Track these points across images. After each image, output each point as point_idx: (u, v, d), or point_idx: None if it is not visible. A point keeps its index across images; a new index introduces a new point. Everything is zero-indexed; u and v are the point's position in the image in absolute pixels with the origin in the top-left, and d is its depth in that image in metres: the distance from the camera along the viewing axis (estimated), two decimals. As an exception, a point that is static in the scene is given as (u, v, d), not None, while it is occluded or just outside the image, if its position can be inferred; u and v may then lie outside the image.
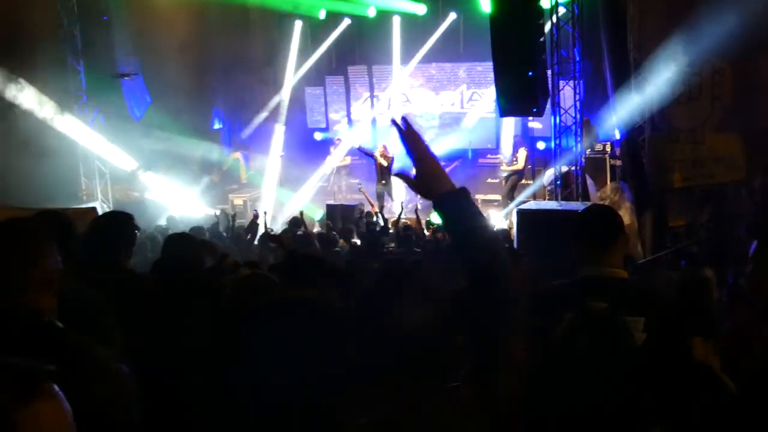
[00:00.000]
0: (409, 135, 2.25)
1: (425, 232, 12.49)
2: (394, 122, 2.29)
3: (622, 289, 2.96)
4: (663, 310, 2.87)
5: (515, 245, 10.28)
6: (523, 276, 3.89)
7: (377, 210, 14.72)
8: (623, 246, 3.08)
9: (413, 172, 2.25)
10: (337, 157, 19.21)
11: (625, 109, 13.59)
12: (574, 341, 2.78)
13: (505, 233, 11.96)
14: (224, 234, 12.90)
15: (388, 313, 2.13)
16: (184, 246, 4.52)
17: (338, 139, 19.48)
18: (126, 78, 17.20)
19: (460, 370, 2.23)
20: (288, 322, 3.19)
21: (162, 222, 14.82)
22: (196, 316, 3.78)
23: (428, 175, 2.23)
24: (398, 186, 17.80)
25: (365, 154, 16.93)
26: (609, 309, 2.73)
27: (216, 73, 20.16)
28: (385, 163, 16.46)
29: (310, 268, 3.91)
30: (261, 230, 12.94)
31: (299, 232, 12.21)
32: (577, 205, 11.24)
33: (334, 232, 11.80)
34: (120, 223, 4.22)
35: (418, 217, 13.33)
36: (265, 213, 13.86)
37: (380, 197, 16.64)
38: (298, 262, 3.98)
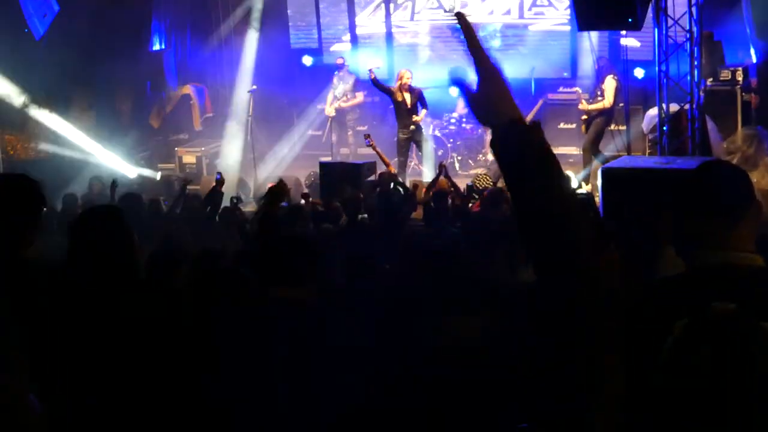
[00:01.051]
0: (469, 38, 2.32)
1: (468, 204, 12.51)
2: (458, 14, 2.34)
3: (758, 282, 2.98)
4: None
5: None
6: (614, 265, 3.95)
7: (394, 170, 14.71)
8: (755, 221, 3.10)
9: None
10: (342, 92, 19.05)
11: (765, 18, 13.53)
12: (690, 359, 2.82)
13: (588, 202, 11.99)
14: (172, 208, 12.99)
15: (419, 323, 2.17)
16: (113, 225, 4.50)
17: (341, 59, 19.35)
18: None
19: (529, 406, 2.26)
20: (269, 333, 3.25)
21: (77, 189, 14.90)
22: (137, 328, 3.83)
23: (492, 96, 2.30)
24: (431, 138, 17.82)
25: (379, 89, 16.77)
26: (739, 312, 2.76)
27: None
28: (408, 101, 16.35)
29: (300, 257, 3.96)
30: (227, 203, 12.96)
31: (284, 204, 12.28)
32: (693, 162, 11.26)
33: (338, 202, 11.86)
34: (17, 192, 4.25)
35: (450, 180, 13.33)
36: (241, 182, 13.87)
37: (403, 151, 16.59)
38: (281, 247, 4.03)
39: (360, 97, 19.03)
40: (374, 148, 15.18)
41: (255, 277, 4.00)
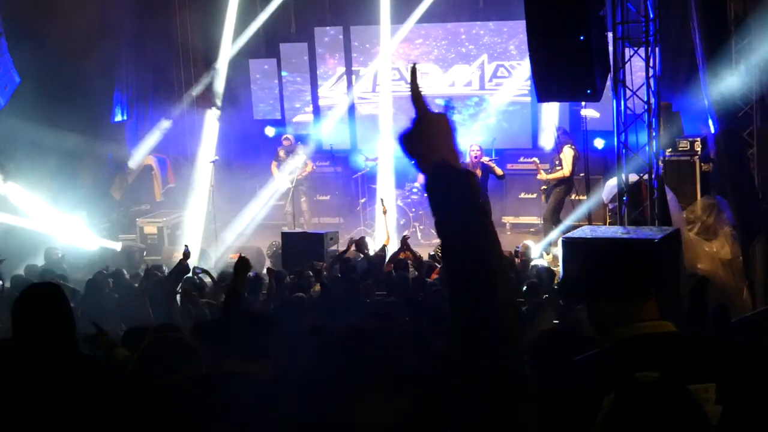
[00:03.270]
0: (413, 85, 2.44)
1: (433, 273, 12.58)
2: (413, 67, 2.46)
3: (677, 347, 3.10)
4: (745, 369, 3.00)
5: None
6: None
7: (389, 242, 14.78)
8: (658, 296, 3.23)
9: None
10: (292, 165, 19.25)
11: (722, 90, 13.75)
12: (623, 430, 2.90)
13: (544, 273, 12.11)
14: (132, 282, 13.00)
15: (333, 409, 2.21)
16: (53, 303, 4.44)
17: (287, 138, 19.62)
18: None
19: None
20: (213, 407, 3.30)
21: (38, 260, 14.88)
22: (83, 407, 3.86)
23: (429, 135, 2.42)
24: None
25: None
26: (664, 378, 2.84)
27: (119, 39, 20.25)
28: (479, 174, 16.20)
29: (256, 331, 4.00)
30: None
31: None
32: (653, 232, 11.38)
33: (311, 272, 11.94)
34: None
35: (411, 252, 13.38)
36: (203, 253, 13.76)
37: None
38: (237, 320, 4.08)
39: (309, 166, 19.55)
40: (385, 216, 15.35)
41: (204, 350, 4.05)
